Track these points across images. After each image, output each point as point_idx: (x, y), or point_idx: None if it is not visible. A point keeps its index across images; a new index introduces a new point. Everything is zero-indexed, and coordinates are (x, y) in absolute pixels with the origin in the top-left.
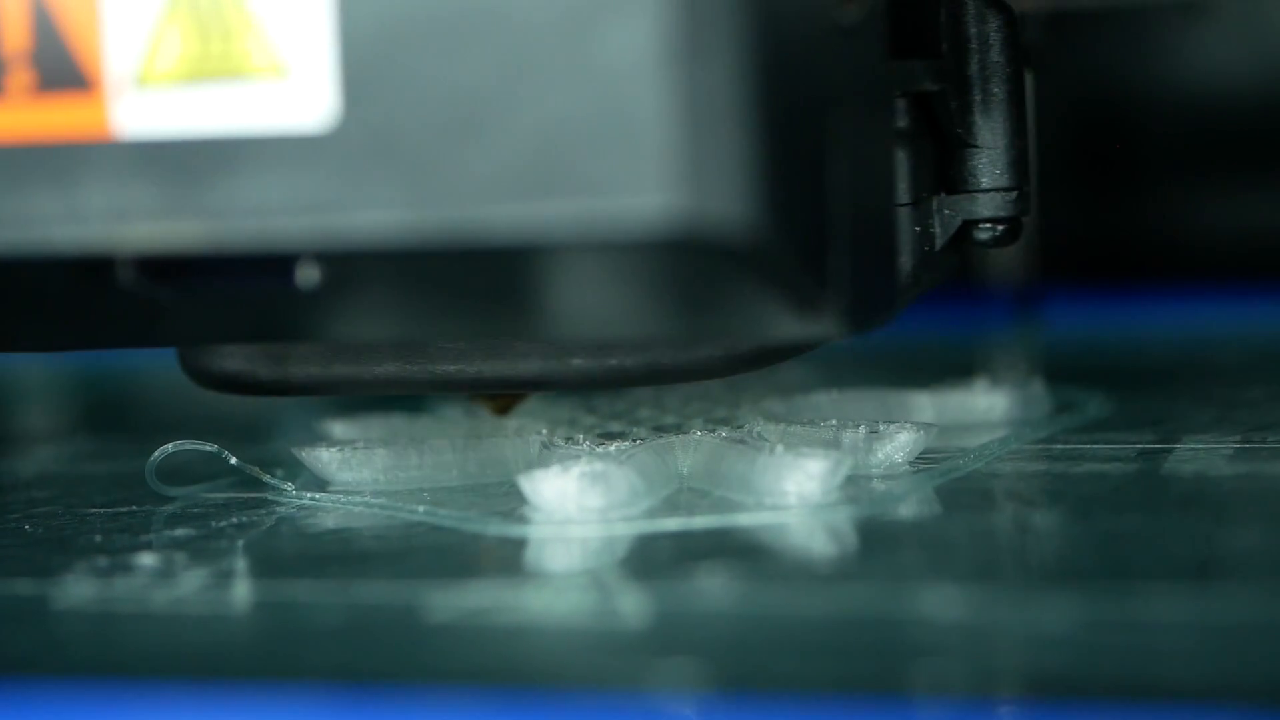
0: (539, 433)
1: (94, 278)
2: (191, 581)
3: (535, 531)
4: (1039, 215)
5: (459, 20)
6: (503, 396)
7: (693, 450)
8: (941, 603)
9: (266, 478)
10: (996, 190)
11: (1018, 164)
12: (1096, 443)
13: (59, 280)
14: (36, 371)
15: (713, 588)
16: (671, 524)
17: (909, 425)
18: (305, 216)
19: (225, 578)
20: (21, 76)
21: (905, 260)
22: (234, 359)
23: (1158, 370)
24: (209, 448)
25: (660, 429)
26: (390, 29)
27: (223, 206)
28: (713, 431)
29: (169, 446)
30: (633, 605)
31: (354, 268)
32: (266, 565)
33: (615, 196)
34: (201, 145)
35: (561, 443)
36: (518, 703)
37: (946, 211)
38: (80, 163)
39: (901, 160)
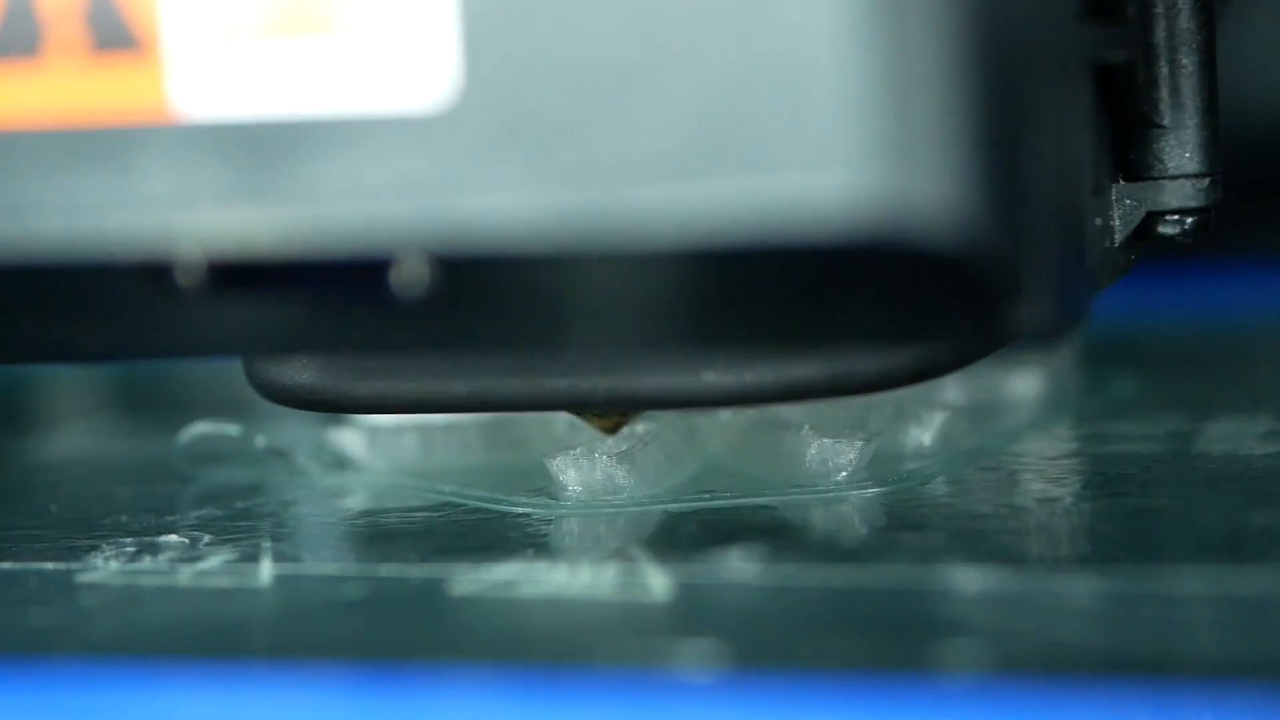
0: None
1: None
2: (217, 559)
3: (561, 510)
4: None
5: None
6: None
7: (719, 430)
8: (969, 580)
9: (294, 458)
10: (1185, 177)
11: (1209, 146)
12: (1126, 423)
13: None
14: None
15: (738, 567)
16: (697, 504)
17: (937, 406)
18: (413, 202)
19: (251, 556)
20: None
21: (1089, 258)
22: (305, 372)
23: (1189, 351)
24: (235, 430)
25: None
26: None
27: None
28: (740, 411)
29: (197, 428)
30: (658, 584)
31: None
32: (293, 544)
33: (794, 174)
34: (288, 124)
35: (588, 422)
36: (542, 678)
37: (1128, 201)
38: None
39: (1086, 142)
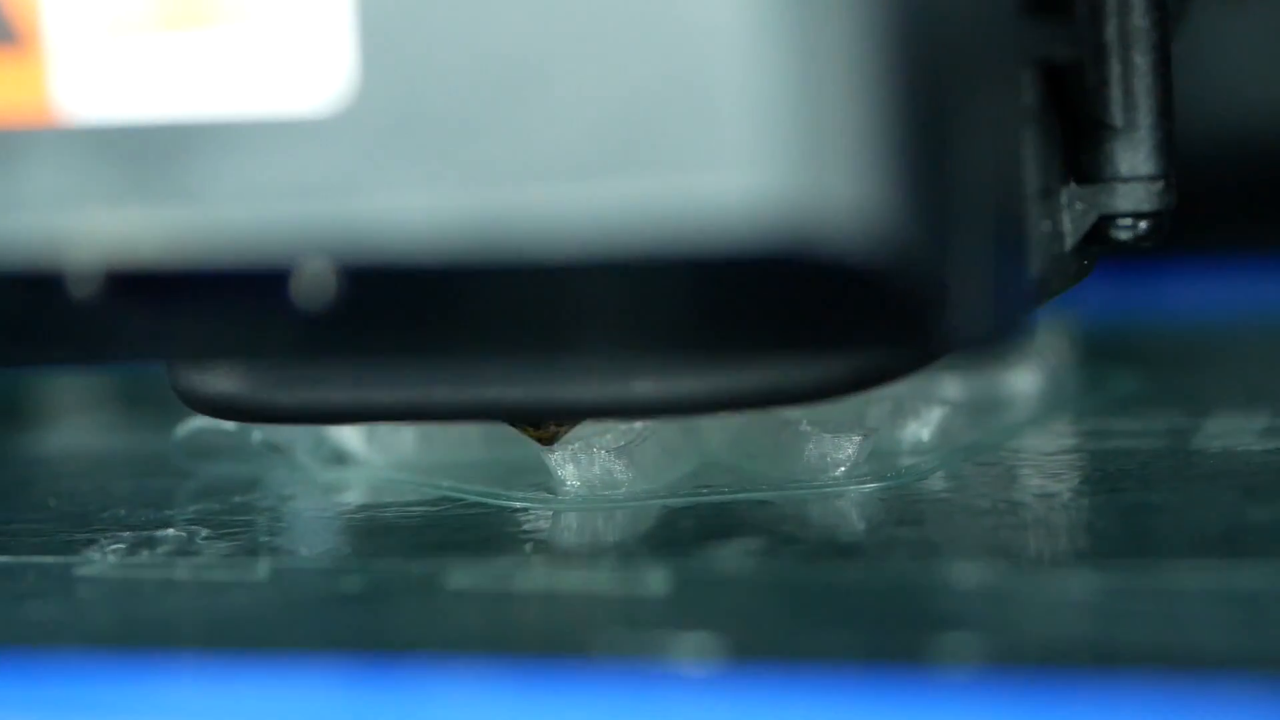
0: None
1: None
2: (215, 553)
3: (560, 505)
4: None
5: None
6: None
7: (718, 426)
8: (967, 575)
9: (291, 453)
10: (1138, 179)
11: (1163, 148)
12: (1125, 419)
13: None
14: None
15: (736, 562)
16: (695, 498)
17: (935, 402)
18: (308, 205)
19: (248, 550)
20: None
21: (1034, 264)
22: (226, 380)
23: (1187, 348)
24: (232, 425)
25: None
26: None
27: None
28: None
29: (194, 422)
30: (656, 578)
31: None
32: (290, 538)
33: (700, 174)
34: (179, 125)
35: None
36: (539, 672)
37: (1078, 205)
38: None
39: (1029, 144)
